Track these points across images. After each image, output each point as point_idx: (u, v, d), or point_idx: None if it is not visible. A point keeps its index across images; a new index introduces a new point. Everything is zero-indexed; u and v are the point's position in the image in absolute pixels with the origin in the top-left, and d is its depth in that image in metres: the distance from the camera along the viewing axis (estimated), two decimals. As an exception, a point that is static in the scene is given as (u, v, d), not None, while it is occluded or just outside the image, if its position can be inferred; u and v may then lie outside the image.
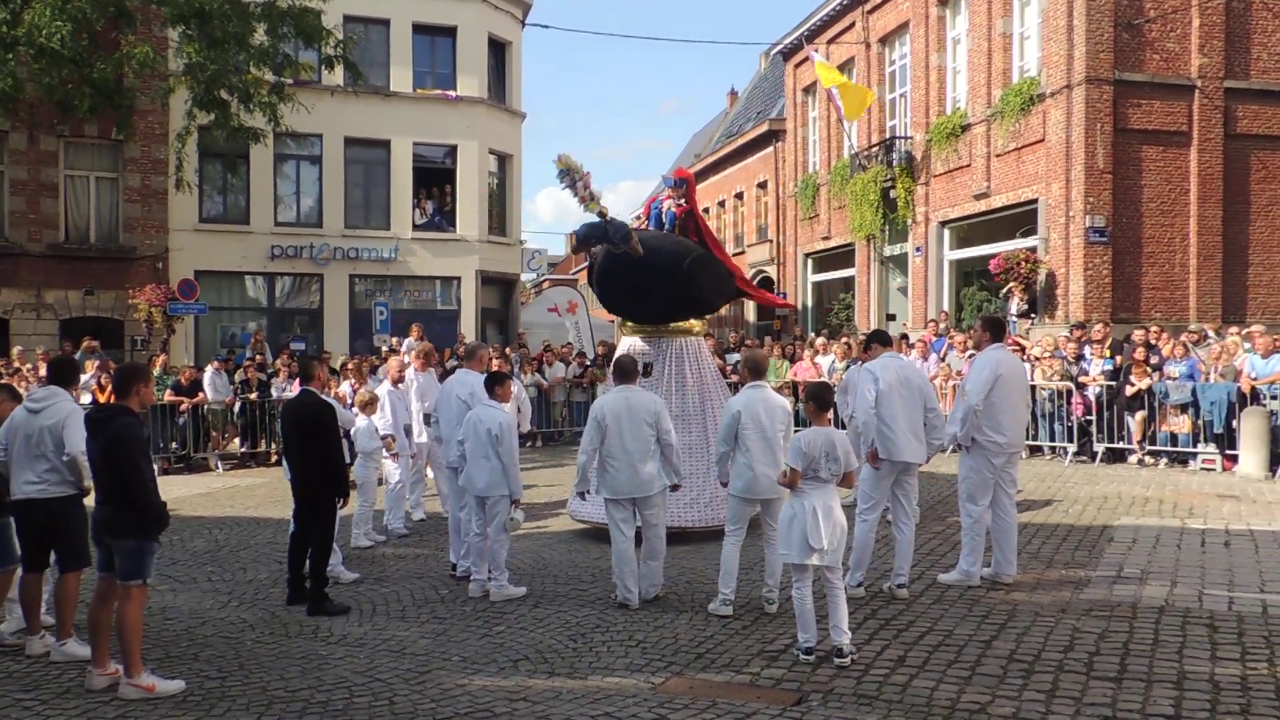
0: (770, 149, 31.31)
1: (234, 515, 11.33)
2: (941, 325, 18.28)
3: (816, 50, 24.10)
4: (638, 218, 10.34)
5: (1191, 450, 12.79)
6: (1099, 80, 17.33)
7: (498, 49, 26.88)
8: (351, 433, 9.79)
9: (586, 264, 9.55)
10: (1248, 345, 12.93)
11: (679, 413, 8.87)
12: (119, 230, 22.53)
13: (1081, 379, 13.73)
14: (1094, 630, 6.03)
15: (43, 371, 14.91)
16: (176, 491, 12.67)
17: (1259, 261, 18.32)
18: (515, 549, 8.21)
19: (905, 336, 17.01)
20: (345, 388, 12.65)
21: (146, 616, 6.07)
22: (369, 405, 9.61)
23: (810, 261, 28.97)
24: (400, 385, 10.37)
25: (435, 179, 25.89)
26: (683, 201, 9.79)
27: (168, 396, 15.11)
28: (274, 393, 15.75)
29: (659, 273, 8.99)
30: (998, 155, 19.66)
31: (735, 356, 18.27)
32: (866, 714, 4.86)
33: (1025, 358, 14.12)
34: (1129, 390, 13.13)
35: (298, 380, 9.29)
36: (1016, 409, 7.39)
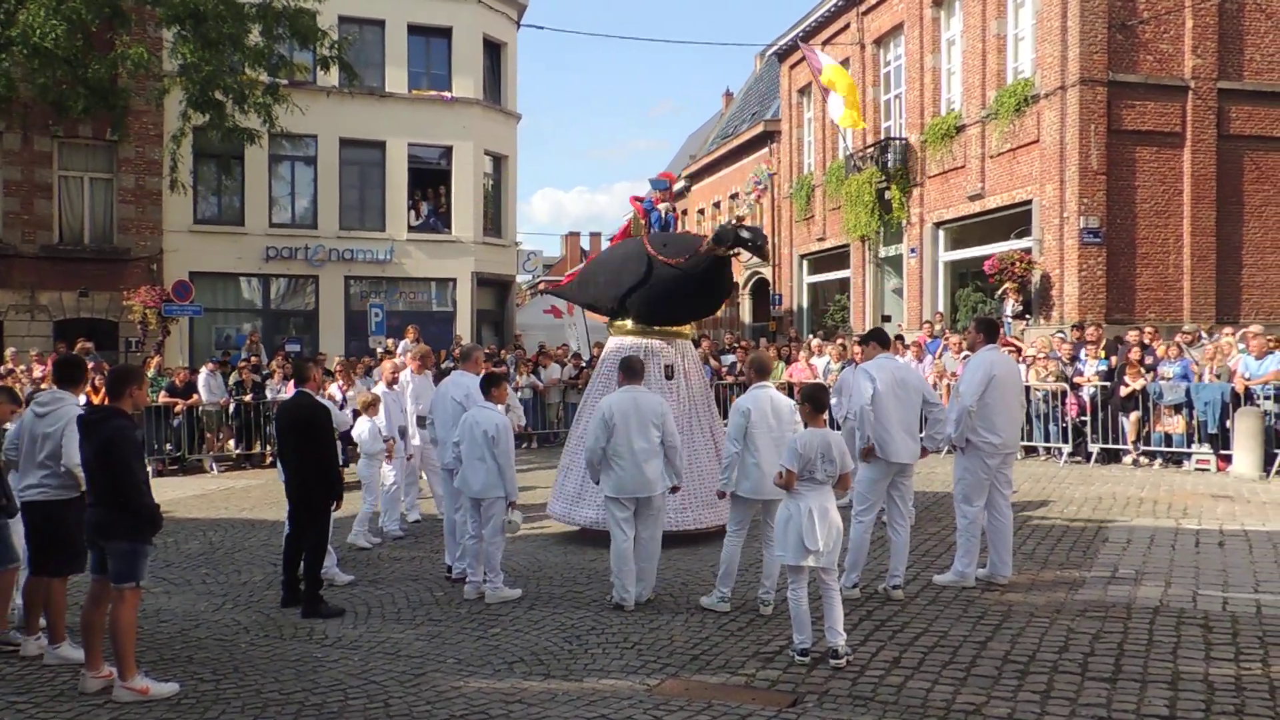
0: (765, 150, 31.34)
1: (228, 517, 11.32)
2: (937, 326, 18.30)
3: (816, 50, 24.10)
4: (631, 219, 10.37)
5: (1186, 451, 12.82)
6: (1093, 81, 17.37)
7: (493, 50, 26.89)
8: (354, 433, 9.80)
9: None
10: (1241, 346, 12.97)
11: (675, 414, 8.90)
12: (113, 231, 22.49)
13: (1076, 380, 13.76)
14: (1089, 631, 6.04)
15: (36, 373, 14.94)
16: (171, 493, 12.66)
17: (1253, 262, 18.37)
18: (510, 551, 8.21)
19: (901, 338, 17.03)
20: (333, 389, 12.63)
21: (141, 619, 6.06)
22: (371, 406, 9.62)
23: (805, 263, 29.00)
24: (395, 387, 10.37)
25: (430, 180, 25.89)
26: (673, 205, 9.96)
27: (162, 398, 15.08)
28: (269, 394, 15.74)
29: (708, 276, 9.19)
30: (992, 156, 19.70)
31: (731, 358, 18.30)
32: (862, 715, 4.86)
33: (1021, 359, 14.15)
34: (1123, 391, 13.16)
35: (292, 382, 9.29)
36: (1011, 410, 7.40)
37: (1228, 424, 12.25)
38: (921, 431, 7.43)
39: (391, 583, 8.01)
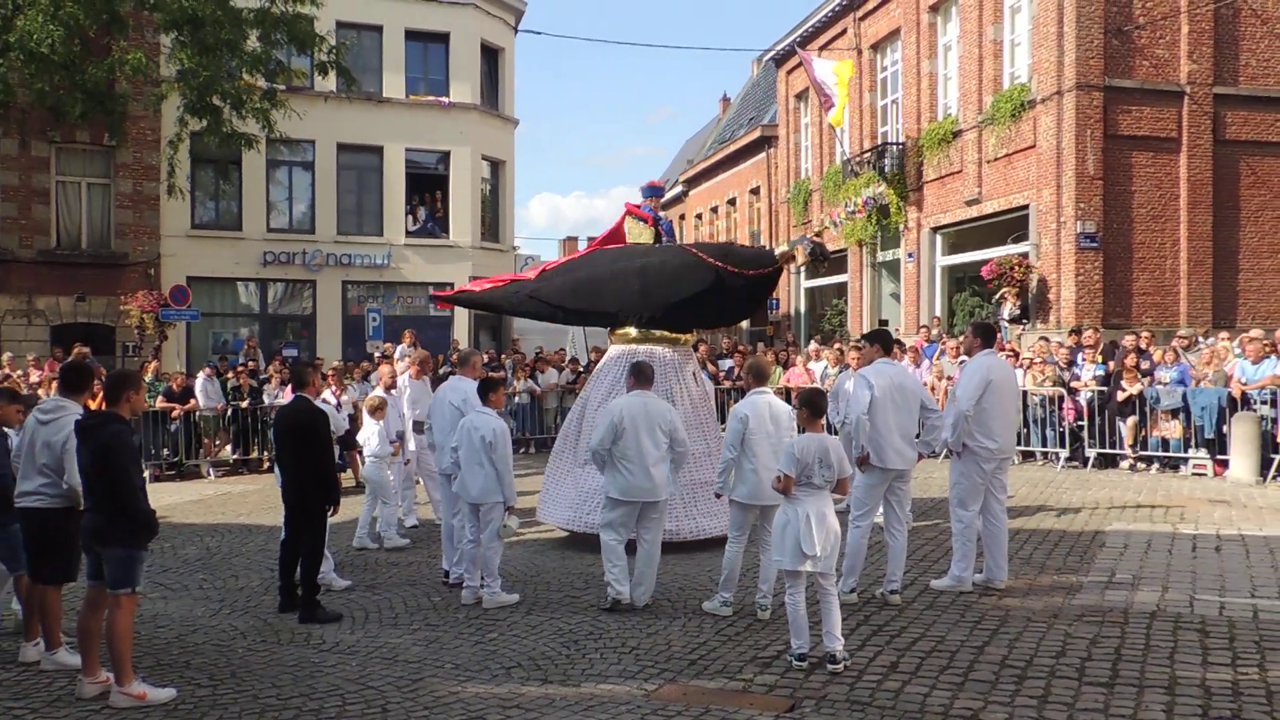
0: (762, 155, 31.40)
1: (225, 522, 11.30)
2: (934, 331, 18.33)
3: (812, 58, 24.16)
4: (628, 225, 10.39)
5: (1183, 455, 12.84)
6: (1089, 86, 17.42)
7: (490, 55, 26.93)
8: (360, 436, 9.80)
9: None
10: (1238, 350, 12.99)
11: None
12: (111, 236, 22.47)
13: (1073, 384, 13.78)
14: (1086, 636, 6.05)
15: (34, 378, 14.92)
16: (168, 498, 12.64)
17: (1249, 267, 18.41)
18: (508, 556, 8.20)
19: (899, 342, 17.05)
20: (326, 394, 12.62)
21: (137, 624, 6.05)
22: (378, 410, 9.64)
23: (803, 267, 29.01)
24: (393, 391, 10.37)
25: (428, 185, 25.90)
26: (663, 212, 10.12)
27: (159, 403, 15.06)
28: (266, 399, 15.72)
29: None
30: (989, 161, 19.74)
31: (729, 363, 18.30)
32: (859, 720, 4.86)
33: (1018, 363, 14.17)
34: (1120, 395, 13.17)
35: (290, 387, 9.29)
36: (1007, 415, 7.41)
37: (1224, 429, 12.27)
38: (917, 436, 7.43)
39: (389, 588, 8.01)
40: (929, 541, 9.01)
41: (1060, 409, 13.78)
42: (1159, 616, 6.43)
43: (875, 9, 24.06)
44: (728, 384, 17.13)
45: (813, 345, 18.90)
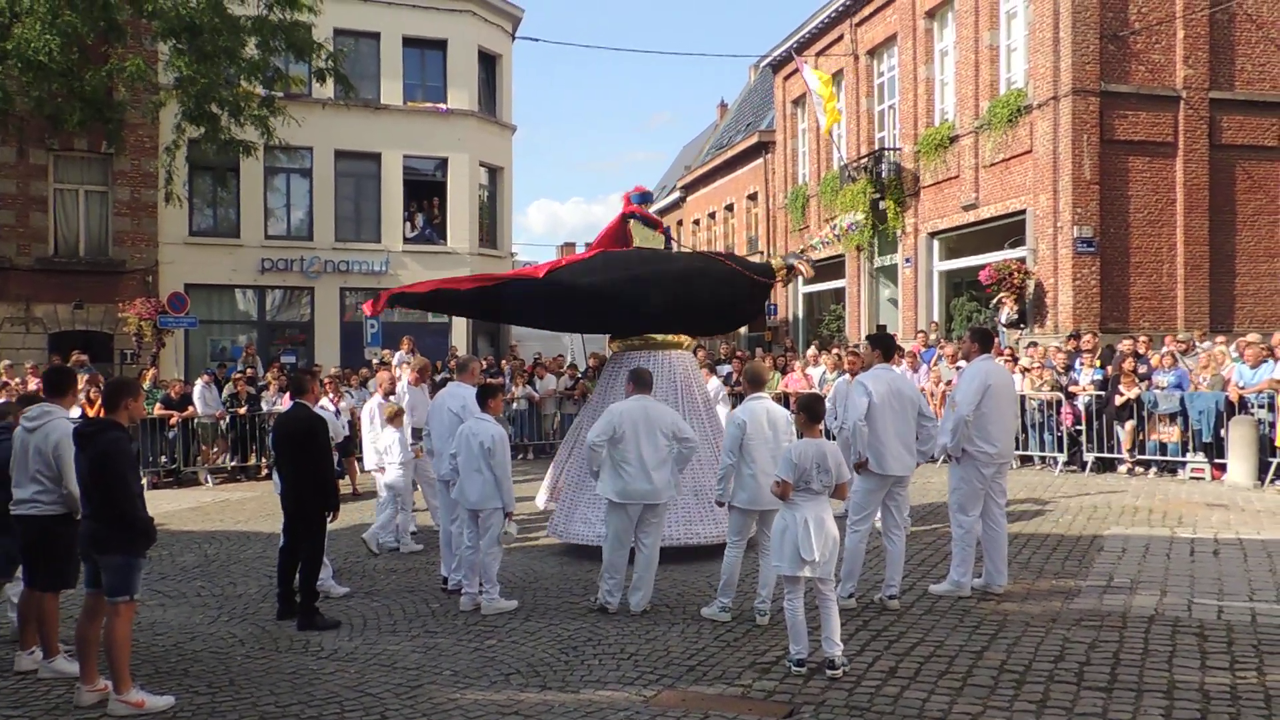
0: (760, 161, 31.43)
1: (223, 529, 11.29)
2: (932, 336, 18.34)
3: (806, 63, 24.23)
4: (636, 230, 10.45)
5: (1180, 459, 12.85)
6: (1085, 92, 17.46)
7: (488, 62, 26.97)
8: (380, 445, 9.78)
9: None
10: (1235, 354, 13.01)
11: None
12: (108, 244, 22.48)
13: (1071, 389, 13.79)
14: (1084, 640, 6.05)
15: (32, 386, 14.90)
16: (166, 506, 12.63)
17: (1245, 271, 18.44)
18: (507, 562, 8.20)
19: (900, 348, 17.06)
20: (325, 401, 12.63)
21: (135, 632, 6.04)
22: (397, 418, 9.65)
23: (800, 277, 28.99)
24: (392, 398, 10.37)
25: (426, 192, 25.92)
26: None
27: (157, 410, 15.05)
28: (264, 406, 15.72)
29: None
30: (986, 166, 19.78)
31: (727, 368, 18.29)
32: (858, 725, 4.86)
33: (1016, 368, 14.18)
34: (1118, 400, 13.19)
35: (288, 394, 9.29)
36: (1006, 419, 7.42)
37: (1222, 433, 12.28)
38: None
39: (387, 595, 8.00)
40: (927, 546, 9.01)
41: (1058, 413, 13.79)
42: (1157, 621, 6.44)
43: (872, 15, 24.12)
44: (726, 389, 17.11)
45: (811, 350, 18.92)
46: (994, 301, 18.74)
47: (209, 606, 7.72)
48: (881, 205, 22.99)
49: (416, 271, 25.21)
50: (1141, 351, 14.02)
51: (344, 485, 13.10)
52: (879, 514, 7.38)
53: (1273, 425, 11.94)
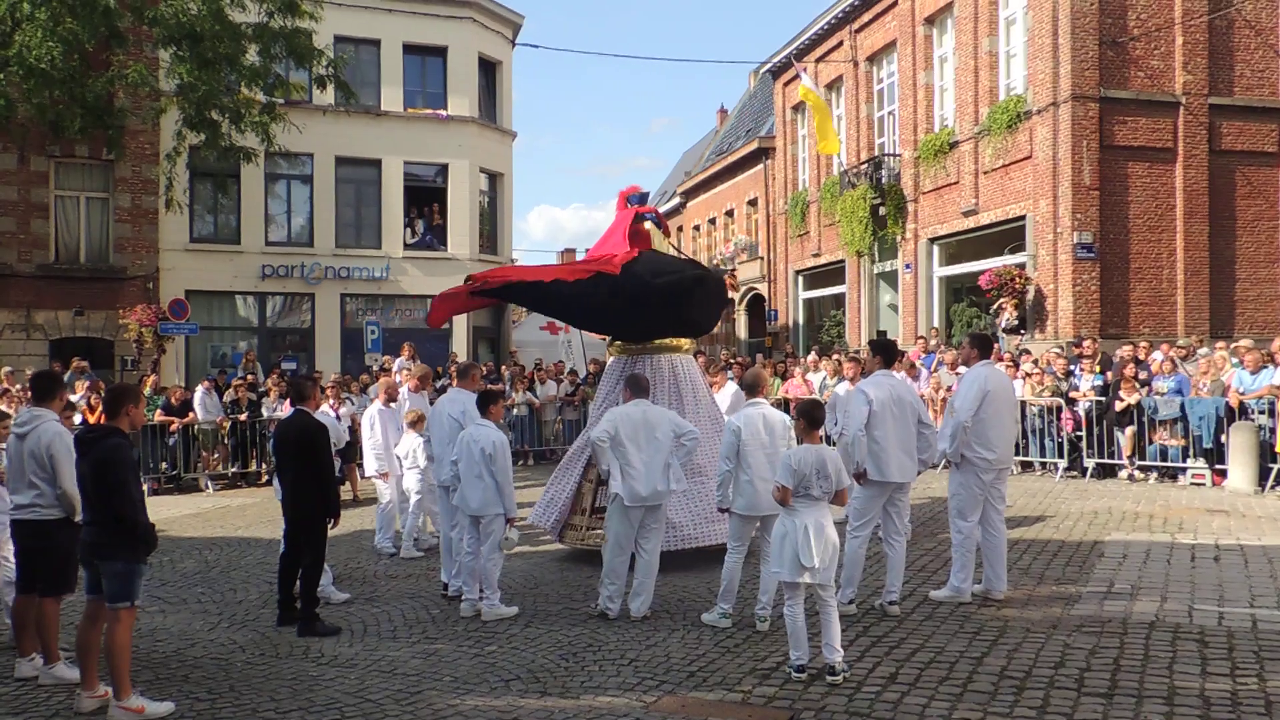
0: (760, 166, 31.49)
1: (224, 536, 11.29)
2: (932, 341, 18.34)
3: (805, 70, 24.26)
4: (652, 232, 10.31)
5: (1181, 465, 12.84)
6: (1084, 97, 17.50)
7: (488, 68, 27.02)
8: (399, 450, 9.79)
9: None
10: (1235, 360, 13.01)
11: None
12: (109, 250, 22.49)
13: (1071, 394, 13.79)
14: (1085, 646, 6.05)
15: (32, 392, 14.93)
16: (166, 512, 12.63)
17: (1245, 276, 18.46)
18: (507, 568, 8.20)
19: (901, 354, 17.07)
20: (325, 407, 12.63)
21: (136, 638, 6.04)
22: (418, 423, 9.66)
23: (801, 278, 29.09)
24: (392, 404, 10.39)
25: (426, 198, 25.96)
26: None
27: (158, 416, 15.07)
28: (265, 412, 15.73)
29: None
30: (985, 172, 19.80)
31: (729, 374, 18.29)
32: (858, 732, 4.86)
33: (1016, 374, 14.18)
34: (1118, 406, 13.19)
35: (289, 400, 9.29)
36: (1005, 425, 7.41)
37: (1222, 438, 12.28)
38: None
39: (388, 601, 8.00)
40: (927, 552, 9.01)
41: (1059, 419, 13.79)
42: (1157, 627, 6.43)
43: (871, 21, 24.18)
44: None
45: (811, 356, 18.93)
46: (994, 307, 18.75)
47: (209, 613, 7.72)
48: (881, 211, 23.03)
49: (417, 278, 25.25)
50: (1141, 357, 14.03)
51: (344, 491, 13.11)
52: (879, 520, 7.37)
53: (1273, 431, 11.94)
